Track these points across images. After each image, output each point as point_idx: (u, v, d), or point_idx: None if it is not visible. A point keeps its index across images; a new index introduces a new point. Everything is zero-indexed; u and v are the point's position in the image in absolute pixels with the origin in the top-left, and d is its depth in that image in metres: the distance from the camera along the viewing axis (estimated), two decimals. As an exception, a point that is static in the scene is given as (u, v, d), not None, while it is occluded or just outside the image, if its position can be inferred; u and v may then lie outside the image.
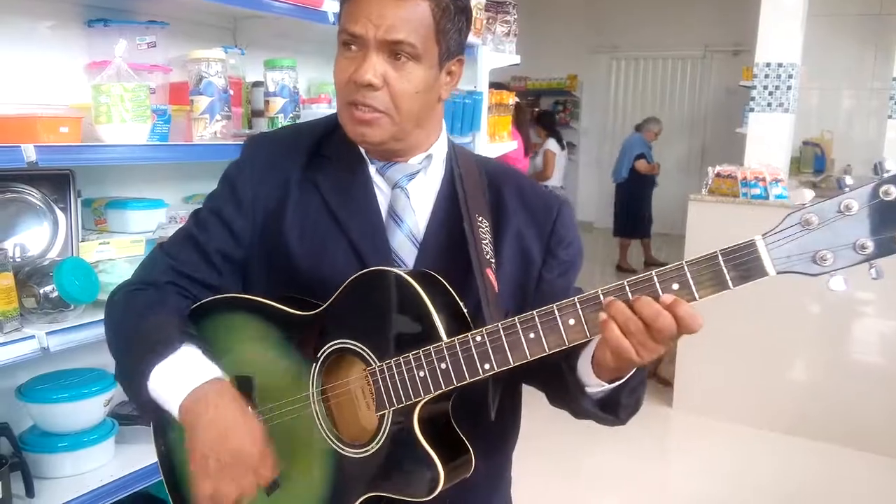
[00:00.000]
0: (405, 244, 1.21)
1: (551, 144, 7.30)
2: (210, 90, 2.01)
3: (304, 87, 2.52)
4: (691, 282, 0.93)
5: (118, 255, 1.95)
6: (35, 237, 1.92)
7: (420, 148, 1.23)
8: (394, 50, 1.10)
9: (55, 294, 1.71)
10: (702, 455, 4.03)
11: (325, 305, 1.13)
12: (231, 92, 2.11)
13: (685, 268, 0.93)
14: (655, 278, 0.95)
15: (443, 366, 1.04)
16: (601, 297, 0.97)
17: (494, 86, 3.85)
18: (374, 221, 1.20)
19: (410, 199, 1.22)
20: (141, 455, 1.93)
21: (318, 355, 1.14)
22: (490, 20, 3.41)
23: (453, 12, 1.13)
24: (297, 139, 1.27)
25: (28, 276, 1.74)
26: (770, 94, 4.86)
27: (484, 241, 1.17)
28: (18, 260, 1.82)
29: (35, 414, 1.87)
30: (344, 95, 1.14)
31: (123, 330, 1.19)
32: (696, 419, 4.32)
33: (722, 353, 4.17)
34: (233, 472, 1.05)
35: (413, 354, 1.06)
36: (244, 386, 1.19)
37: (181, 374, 1.10)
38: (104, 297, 1.80)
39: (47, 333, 1.65)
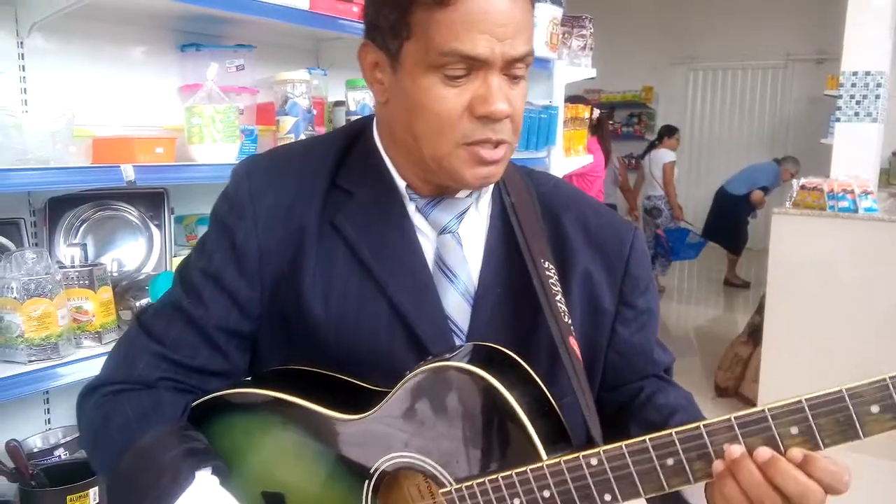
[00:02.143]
0: (459, 305, 0.95)
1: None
2: (295, 110, 2.08)
3: (382, 105, 2.58)
4: (855, 419, 0.69)
5: (208, 270, 2.03)
6: (131, 252, 2.02)
7: None
8: (515, 66, 0.87)
9: (150, 307, 1.79)
10: None
11: (374, 408, 0.87)
12: (314, 112, 2.18)
13: (846, 397, 0.69)
14: (772, 417, 0.71)
15: (546, 494, 0.79)
16: (768, 415, 0.72)
17: (570, 99, 3.85)
18: (421, 278, 0.94)
19: (463, 245, 0.97)
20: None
21: (371, 471, 0.87)
22: (566, 35, 3.41)
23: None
24: (307, 169, 0.98)
25: (125, 289, 1.83)
26: (857, 103, 4.70)
27: (557, 298, 0.94)
28: (116, 274, 1.92)
29: (129, 422, 1.95)
30: (457, 135, 0.87)
31: (111, 452, 0.90)
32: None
33: (809, 371, 4.02)
34: None
35: (505, 478, 0.80)
36: None
37: None
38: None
39: (143, 345, 1.72)
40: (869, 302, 3.85)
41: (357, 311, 0.93)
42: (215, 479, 0.85)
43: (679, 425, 0.77)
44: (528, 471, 0.79)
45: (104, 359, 1.61)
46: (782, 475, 0.71)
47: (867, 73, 4.66)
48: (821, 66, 9.25)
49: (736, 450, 0.72)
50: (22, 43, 1.83)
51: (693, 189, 10.34)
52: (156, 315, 0.97)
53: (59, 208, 1.90)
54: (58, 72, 1.91)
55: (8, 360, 1.58)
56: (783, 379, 4.14)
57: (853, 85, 4.70)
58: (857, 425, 0.69)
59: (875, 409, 0.68)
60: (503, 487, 0.81)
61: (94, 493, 1.65)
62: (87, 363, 1.64)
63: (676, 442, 0.75)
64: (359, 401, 0.89)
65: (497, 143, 0.88)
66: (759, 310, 4.49)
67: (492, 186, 1.01)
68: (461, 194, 0.97)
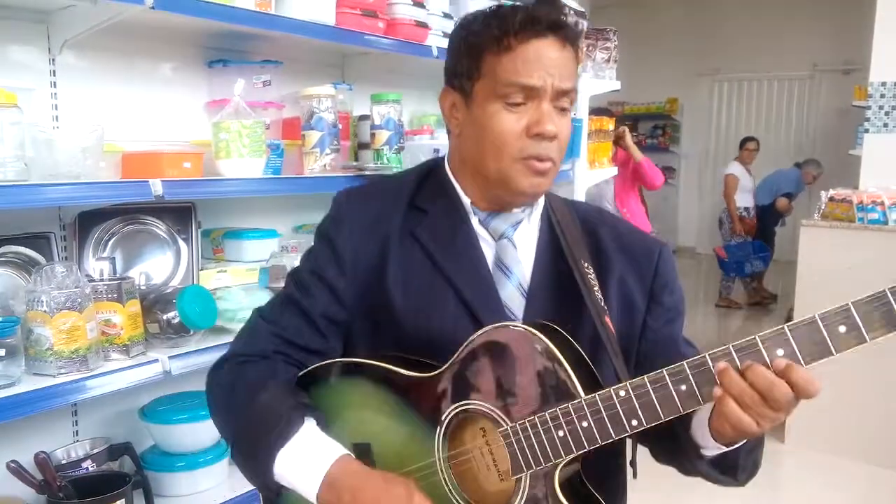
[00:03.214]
0: (514, 296, 1.16)
1: None
2: (321, 125, 2.09)
3: (406, 120, 2.58)
4: (827, 339, 0.87)
5: (234, 283, 2.05)
6: (159, 266, 2.04)
7: None
8: (561, 98, 1.10)
9: (177, 320, 1.80)
10: (816, 494, 3.83)
11: (444, 365, 1.07)
12: (340, 126, 2.19)
13: (818, 321, 0.87)
14: (761, 342, 0.90)
15: (584, 424, 0.97)
16: (758, 341, 0.90)
17: (594, 111, 3.83)
18: (482, 274, 1.16)
19: (517, 249, 1.18)
20: (252, 476, 1.99)
21: (443, 418, 1.07)
22: (590, 47, 3.41)
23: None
24: (391, 193, 1.23)
25: (153, 303, 1.84)
26: (886, 114, 4.63)
27: (595, 288, 1.13)
28: (144, 288, 1.93)
29: (156, 434, 1.97)
30: (515, 150, 1.10)
31: (237, 408, 1.12)
32: (810, 455, 4.11)
33: (838, 386, 3.96)
34: None
35: (550, 413, 0.99)
36: (363, 454, 1.12)
37: (308, 458, 1.04)
38: (222, 323, 1.89)
39: (170, 357, 1.74)
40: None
41: (430, 301, 1.14)
42: (317, 427, 1.07)
43: None
44: (570, 406, 0.98)
45: (131, 371, 1.66)
46: (753, 374, 0.89)
47: (896, 84, 4.60)
48: (848, 76, 9.16)
49: (722, 364, 0.91)
50: (53, 60, 1.86)
51: (718, 201, 10.28)
52: (272, 306, 1.22)
53: (88, 222, 1.92)
54: (88, 88, 1.94)
55: (38, 372, 1.59)
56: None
57: (882, 96, 4.64)
58: (829, 343, 0.87)
59: (842, 329, 0.87)
60: (549, 421, 0.99)
61: (120, 505, 1.66)
62: (115, 376, 1.65)
63: (687, 369, 0.93)
64: (430, 367, 1.08)
65: (545, 159, 1.10)
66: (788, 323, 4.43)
67: (541, 207, 1.22)
68: (516, 209, 1.18)
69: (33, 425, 1.84)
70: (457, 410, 1.06)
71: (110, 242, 1.95)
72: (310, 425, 1.07)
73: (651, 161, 5.24)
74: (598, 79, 3.49)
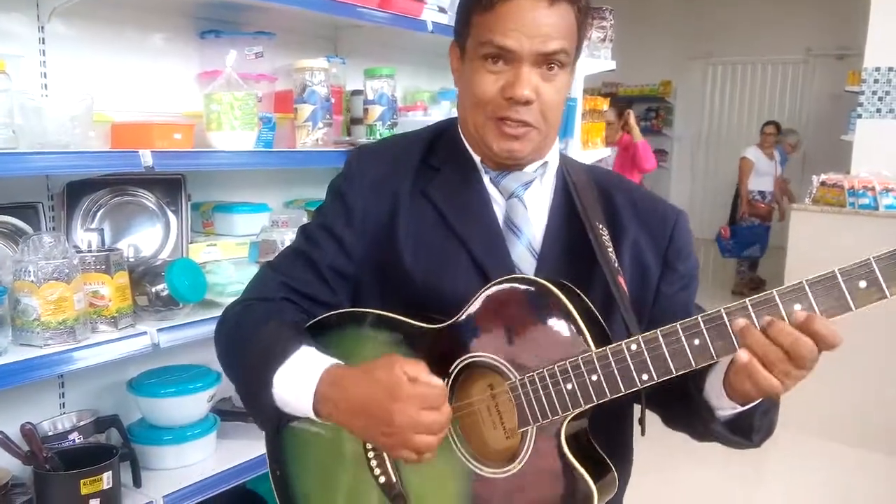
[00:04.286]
0: (525, 255, 1.15)
1: None
2: (313, 98, 2.07)
3: (399, 96, 2.55)
4: (846, 294, 0.85)
5: (224, 257, 2.03)
6: (148, 238, 2.02)
7: (540, 156, 1.17)
8: (547, 61, 1.06)
9: (166, 293, 1.79)
10: (800, 476, 3.87)
11: (455, 317, 1.06)
12: (332, 100, 2.17)
13: (838, 276, 0.84)
14: (779, 296, 0.87)
15: (594, 377, 0.96)
16: (775, 296, 0.88)
17: (587, 92, 3.82)
18: (493, 232, 1.15)
19: (528, 209, 1.17)
20: (240, 450, 1.99)
21: (451, 370, 1.06)
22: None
23: (587, 10, 1.11)
24: (403, 151, 1.23)
25: (141, 275, 1.82)
26: (880, 99, 4.64)
27: (609, 250, 1.12)
28: (132, 260, 1.92)
29: (143, 407, 1.96)
30: (489, 111, 1.10)
31: (241, 340, 1.14)
32: (795, 438, 4.14)
33: (824, 369, 3.98)
34: (408, 426, 0.95)
35: (559, 366, 0.98)
36: None
37: (304, 374, 1.04)
38: (211, 297, 1.88)
39: (158, 330, 1.73)
40: (889, 300, 3.80)
41: (441, 259, 1.14)
42: (314, 349, 1.07)
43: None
44: (580, 359, 0.97)
45: (119, 343, 1.65)
46: (776, 331, 0.87)
47: (890, 69, 4.60)
48: (841, 61, 9.14)
49: (741, 321, 0.89)
50: (42, 28, 1.83)
51: (711, 185, 10.29)
52: (282, 258, 1.25)
53: (77, 193, 1.89)
54: (78, 57, 1.91)
55: (24, 343, 1.58)
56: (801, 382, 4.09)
57: (876, 81, 4.65)
58: (849, 298, 0.85)
59: (862, 284, 0.84)
60: (558, 374, 0.98)
61: (107, 476, 1.65)
62: (102, 348, 1.64)
63: (702, 324, 0.91)
64: (434, 320, 1.09)
65: (519, 122, 1.08)
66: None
67: (555, 168, 1.20)
68: (528, 169, 1.17)
69: (20, 396, 1.83)
70: (465, 363, 1.05)
71: (99, 213, 1.93)
72: (308, 348, 1.07)
73: (648, 145, 5.33)
74: (593, 58, 3.47)
